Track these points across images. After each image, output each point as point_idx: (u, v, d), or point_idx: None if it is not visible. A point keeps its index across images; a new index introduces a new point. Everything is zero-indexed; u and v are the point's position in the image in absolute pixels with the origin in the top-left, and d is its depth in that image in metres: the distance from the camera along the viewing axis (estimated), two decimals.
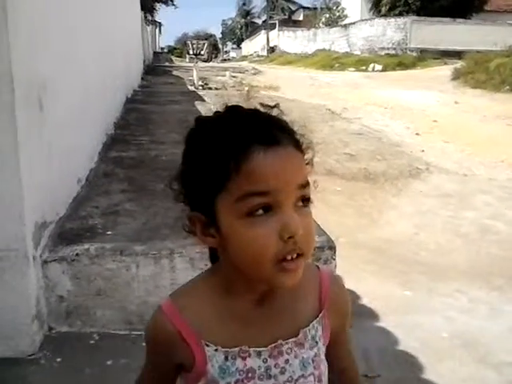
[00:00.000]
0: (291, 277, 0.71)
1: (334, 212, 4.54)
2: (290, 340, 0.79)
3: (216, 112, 0.77)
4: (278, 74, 18.73)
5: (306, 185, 0.72)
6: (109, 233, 2.58)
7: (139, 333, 2.17)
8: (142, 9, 15.44)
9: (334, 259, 2.55)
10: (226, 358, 0.77)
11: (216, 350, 0.77)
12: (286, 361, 0.79)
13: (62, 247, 2.36)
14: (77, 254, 2.32)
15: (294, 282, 0.72)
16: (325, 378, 0.85)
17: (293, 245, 0.68)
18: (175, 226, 2.40)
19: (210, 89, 12.30)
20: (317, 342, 0.82)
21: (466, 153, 7.26)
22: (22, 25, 2.15)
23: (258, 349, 0.77)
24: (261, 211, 0.68)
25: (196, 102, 8.15)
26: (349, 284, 3.13)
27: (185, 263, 2.31)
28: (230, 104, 0.77)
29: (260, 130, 0.70)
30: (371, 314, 2.75)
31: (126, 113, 6.64)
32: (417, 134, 8.56)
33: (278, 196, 0.68)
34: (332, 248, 2.55)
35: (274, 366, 0.78)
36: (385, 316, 2.74)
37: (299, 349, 0.80)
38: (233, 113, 0.74)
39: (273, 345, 0.78)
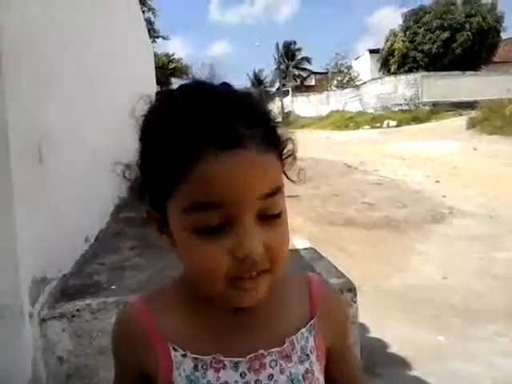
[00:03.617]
0: (248, 296, 0.59)
1: (356, 261, 4.32)
2: (274, 350, 0.64)
3: (180, 87, 0.61)
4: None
5: (275, 192, 0.57)
6: (113, 287, 2.44)
7: None
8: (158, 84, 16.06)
9: (355, 302, 2.34)
10: (196, 368, 0.63)
11: (184, 355, 0.64)
12: (270, 376, 0.63)
13: (63, 303, 2.22)
14: (77, 310, 2.17)
15: (251, 301, 0.60)
16: None
17: (250, 265, 0.56)
18: None
19: None
20: (308, 356, 0.67)
21: (489, 196, 7.02)
22: (22, 71, 2.15)
23: (234, 359, 0.63)
24: (211, 227, 0.56)
25: None
26: (375, 332, 2.93)
27: None
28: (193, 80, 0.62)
29: (216, 126, 0.54)
30: (402, 362, 2.48)
31: None
32: (437, 181, 8.38)
33: (232, 209, 0.55)
34: (352, 290, 2.35)
35: (255, 383, 0.63)
36: (417, 363, 2.47)
37: (286, 362, 0.65)
38: (191, 96, 0.58)
39: (252, 355, 0.63)
